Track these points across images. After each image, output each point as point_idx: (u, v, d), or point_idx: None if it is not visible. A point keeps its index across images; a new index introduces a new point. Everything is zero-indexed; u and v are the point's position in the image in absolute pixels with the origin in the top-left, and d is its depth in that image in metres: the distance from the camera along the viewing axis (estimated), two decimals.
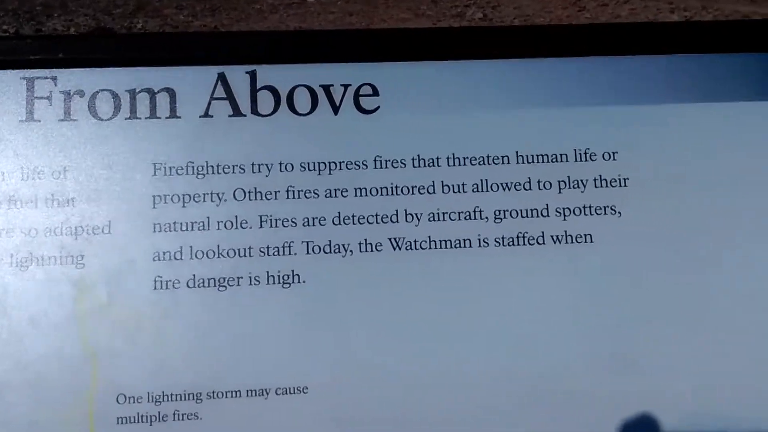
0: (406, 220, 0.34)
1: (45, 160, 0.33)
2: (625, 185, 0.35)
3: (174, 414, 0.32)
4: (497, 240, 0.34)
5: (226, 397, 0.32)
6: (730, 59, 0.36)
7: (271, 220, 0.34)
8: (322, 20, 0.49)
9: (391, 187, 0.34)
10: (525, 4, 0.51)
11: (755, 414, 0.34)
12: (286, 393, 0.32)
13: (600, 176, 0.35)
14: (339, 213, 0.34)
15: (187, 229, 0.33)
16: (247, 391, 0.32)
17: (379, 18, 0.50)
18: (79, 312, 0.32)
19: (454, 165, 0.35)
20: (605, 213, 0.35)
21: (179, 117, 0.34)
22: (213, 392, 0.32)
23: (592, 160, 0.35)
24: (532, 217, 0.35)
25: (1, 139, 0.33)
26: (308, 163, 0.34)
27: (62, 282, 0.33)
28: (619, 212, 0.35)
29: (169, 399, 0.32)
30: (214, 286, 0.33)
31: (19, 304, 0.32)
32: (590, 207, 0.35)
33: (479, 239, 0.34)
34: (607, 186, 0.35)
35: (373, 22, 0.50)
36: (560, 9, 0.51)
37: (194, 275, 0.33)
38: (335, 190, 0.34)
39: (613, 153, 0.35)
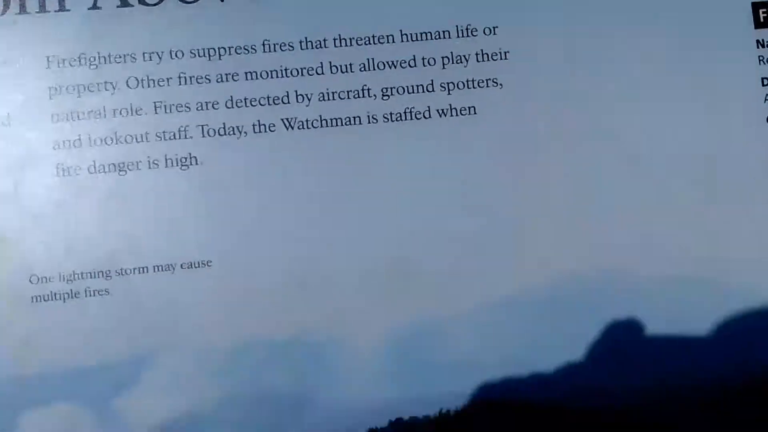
0: (297, 101, 0.36)
1: None
2: (506, 58, 0.37)
3: (85, 291, 0.34)
4: (385, 116, 0.36)
5: (134, 273, 0.34)
6: None
7: (165, 105, 0.35)
8: None
9: (281, 70, 0.36)
10: None
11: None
12: (191, 267, 0.35)
13: (482, 51, 0.37)
14: (231, 97, 0.35)
15: (84, 118, 0.35)
16: (154, 266, 0.35)
17: None
18: None
19: (340, 46, 0.36)
20: (487, 86, 0.37)
21: (68, 10, 0.35)
22: (121, 269, 0.34)
23: (474, 36, 0.37)
24: (418, 92, 0.36)
25: None
26: (198, 50, 0.35)
27: None
28: (501, 84, 0.37)
29: (80, 277, 0.34)
30: (115, 171, 0.35)
31: None
32: (473, 80, 0.37)
33: (368, 116, 0.36)
34: (488, 60, 0.37)
35: None
36: None
37: (94, 161, 0.35)
38: (226, 74, 0.35)
39: (494, 28, 0.37)
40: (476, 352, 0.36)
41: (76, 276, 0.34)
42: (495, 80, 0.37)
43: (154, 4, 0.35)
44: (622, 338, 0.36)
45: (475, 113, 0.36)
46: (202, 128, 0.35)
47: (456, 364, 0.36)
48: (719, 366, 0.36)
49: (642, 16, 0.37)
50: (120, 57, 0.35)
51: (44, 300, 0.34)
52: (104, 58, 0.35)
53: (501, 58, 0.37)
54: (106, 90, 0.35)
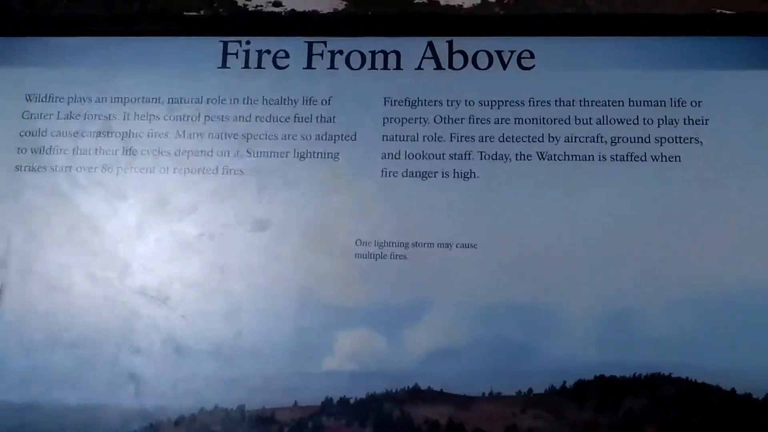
0: (549, 141, 0.51)
1: (316, 93, 0.53)
2: (707, 124, 0.50)
3: (390, 254, 0.50)
4: (612, 156, 0.50)
5: (424, 246, 0.50)
6: None
7: (458, 136, 0.51)
8: None
9: (540, 118, 0.51)
10: None
11: None
12: (463, 247, 0.50)
13: (688, 117, 0.50)
14: (503, 134, 0.51)
15: (403, 140, 0.52)
16: (437, 243, 0.50)
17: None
18: (333, 187, 0.52)
19: (584, 105, 0.51)
20: (690, 142, 0.50)
21: (402, 69, 0.53)
22: (416, 242, 0.50)
23: (683, 106, 0.50)
24: (638, 142, 0.50)
25: (289, 79, 0.54)
26: (484, 101, 0.52)
27: (324, 169, 0.52)
28: (701, 142, 0.50)
29: (388, 245, 0.50)
30: (420, 177, 0.51)
31: (299, 183, 0.52)
32: (680, 137, 0.50)
33: (600, 155, 0.50)
34: (693, 124, 0.50)
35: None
36: None
37: (407, 169, 0.51)
38: (502, 119, 0.51)
39: (699, 101, 0.50)
40: (667, 335, 0.48)
41: (385, 243, 0.50)
42: (697, 139, 0.50)
43: (459, 69, 0.53)
44: None
45: (680, 161, 0.50)
46: (481, 153, 0.51)
47: (650, 341, 0.48)
48: None
49: None
50: (432, 102, 0.52)
51: (363, 257, 0.50)
52: (422, 101, 0.52)
53: (702, 124, 0.50)
54: (419, 123, 0.52)
